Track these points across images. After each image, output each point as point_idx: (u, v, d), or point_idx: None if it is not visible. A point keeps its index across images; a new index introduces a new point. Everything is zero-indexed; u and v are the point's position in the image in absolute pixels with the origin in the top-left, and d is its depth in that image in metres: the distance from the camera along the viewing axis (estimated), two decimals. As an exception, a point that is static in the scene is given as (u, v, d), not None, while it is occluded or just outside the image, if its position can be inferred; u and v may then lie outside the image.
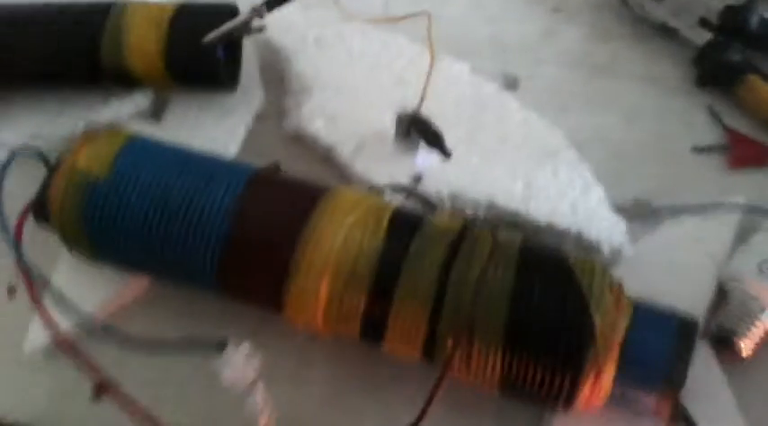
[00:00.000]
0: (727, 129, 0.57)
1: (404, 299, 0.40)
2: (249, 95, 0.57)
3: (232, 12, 0.52)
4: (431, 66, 0.51)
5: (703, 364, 0.46)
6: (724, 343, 0.45)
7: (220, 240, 0.42)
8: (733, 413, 0.44)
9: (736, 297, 0.47)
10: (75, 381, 0.42)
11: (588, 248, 0.50)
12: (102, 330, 0.44)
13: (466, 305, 0.39)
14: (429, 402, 0.38)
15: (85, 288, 0.49)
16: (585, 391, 0.39)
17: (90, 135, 0.45)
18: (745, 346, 0.45)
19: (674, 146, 0.57)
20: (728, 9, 0.59)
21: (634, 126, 0.57)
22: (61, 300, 0.46)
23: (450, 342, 0.39)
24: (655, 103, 0.59)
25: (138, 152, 0.44)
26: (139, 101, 0.56)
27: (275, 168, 0.48)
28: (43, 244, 0.46)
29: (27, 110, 0.56)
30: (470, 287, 0.39)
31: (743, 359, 0.45)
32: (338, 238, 0.41)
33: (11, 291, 0.46)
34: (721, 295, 0.48)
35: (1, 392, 0.48)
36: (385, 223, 0.42)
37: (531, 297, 0.39)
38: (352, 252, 0.41)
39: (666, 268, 0.49)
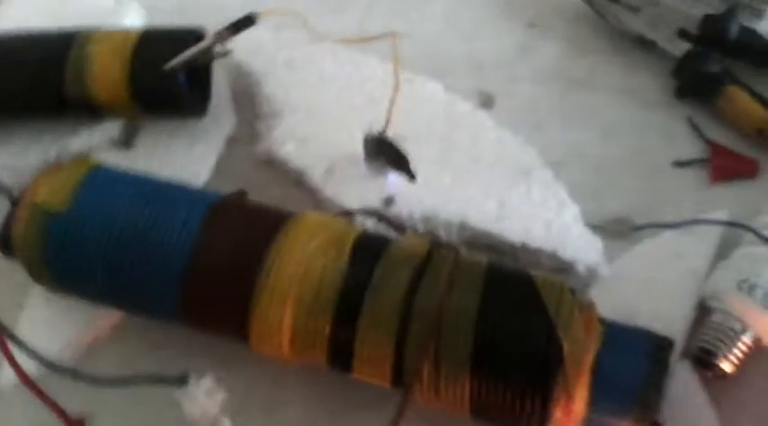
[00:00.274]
0: (708, 142, 0.56)
1: (368, 327, 0.39)
2: (220, 120, 0.57)
3: (198, 37, 0.51)
4: (396, 86, 0.51)
5: (685, 384, 0.45)
6: (705, 363, 0.44)
7: (181, 271, 0.41)
8: (715, 433, 0.43)
9: (718, 316, 0.45)
10: (49, 416, 0.42)
11: (563, 267, 0.49)
12: (69, 368, 0.43)
13: (430, 330, 0.38)
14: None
15: (57, 320, 0.48)
16: (557, 415, 0.38)
17: (52, 167, 0.45)
18: (728, 365, 0.44)
19: (653, 160, 0.56)
20: (707, 18, 0.58)
21: (612, 141, 0.57)
22: (31, 337, 0.45)
23: (411, 370, 0.38)
24: (633, 117, 0.58)
25: (99, 183, 0.44)
26: (109, 129, 0.55)
27: (240, 195, 0.47)
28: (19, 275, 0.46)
29: (-3, 142, 0.56)
30: (434, 312, 0.38)
31: (725, 378, 0.44)
32: (301, 264, 0.40)
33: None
34: (703, 312, 0.47)
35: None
36: (348, 247, 0.41)
37: (496, 320, 0.38)
38: (315, 279, 0.40)
39: (645, 286, 0.48)
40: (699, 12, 0.60)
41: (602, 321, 0.40)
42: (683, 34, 0.59)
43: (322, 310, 0.40)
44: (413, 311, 0.39)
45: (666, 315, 0.46)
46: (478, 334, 0.38)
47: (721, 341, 0.44)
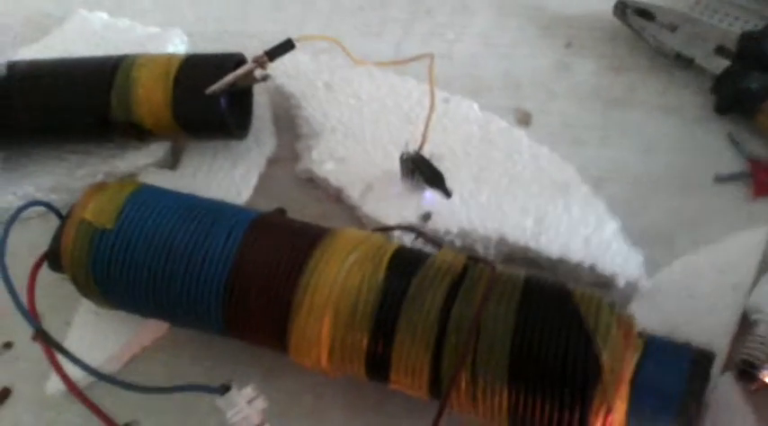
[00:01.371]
0: (749, 158, 0.55)
1: (405, 340, 0.40)
2: (262, 141, 0.58)
3: (238, 62, 0.53)
4: (431, 105, 0.52)
5: (728, 397, 0.44)
6: (748, 375, 0.44)
7: (224, 284, 0.42)
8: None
9: (761, 328, 0.45)
10: (96, 423, 0.43)
11: (604, 282, 0.49)
12: (114, 376, 0.44)
13: (467, 342, 0.38)
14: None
15: (104, 332, 0.50)
16: (596, 428, 0.38)
17: (99, 186, 0.46)
18: (771, 378, 0.43)
19: (694, 176, 0.55)
20: (745, 35, 0.58)
21: (652, 157, 0.56)
22: (79, 347, 0.47)
23: (447, 382, 0.38)
24: (673, 134, 0.58)
25: (144, 201, 0.45)
26: (155, 151, 0.57)
27: (280, 212, 0.48)
28: (67, 290, 0.47)
29: (45, 165, 0.58)
30: (471, 324, 0.39)
31: (768, 392, 0.43)
32: (338, 279, 0.41)
33: (35, 336, 0.47)
34: (747, 326, 0.46)
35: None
36: (385, 262, 0.42)
37: (534, 332, 0.38)
38: (353, 293, 0.41)
39: (687, 300, 0.48)
40: (737, 29, 0.60)
41: (642, 334, 0.40)
42: (720, 51, 0.59)
43: (359, 323, 0.40)
44: (450, 323, 0.39)
45: (708, 328, 0.46)
46: (515, 346, 0.38)
47: (764, 353, 0.43)
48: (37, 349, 0.44)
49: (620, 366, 0.37)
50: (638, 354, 0.39)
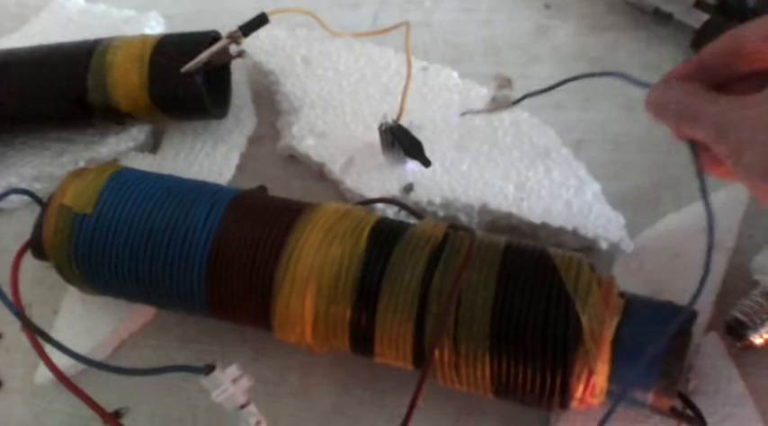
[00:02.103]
0: (732, 112, 0.55)
1: (387, 310, 0.40)
2: (242, 119, 0.58)
3: (213, 40, 0.52)
4: (408, 75, 0.51)
5: (713, 356, 0.44)
6: (737, 333, 0.43)
7: (205, 264, 0.43)
8: (745, 404, 0.42)
9: (759, 290, 0.44)
10: (86, 410, 0.43)
11: (587, 245, 0.49)
12: (101, 362, 0.45)
13: (447, 310, 0.38)
14: (409, 413, 0.37)
15: (91, 319, 0.51)
16: (579, 390, 0.38)
17: (78, 172, 0.46)
18: (759, 340, 0.43)
19: (675, 134, 0.55)
20: (725, -12, 0.57)
21: (634, 117, 0.56)
22: (66, 335, 0.47)
23: (430, 349, 0.38)
24: (654, 92, 0.57)
25: (123, 184, 0.45)
26: (136, 135, 0.57)
27: (261, 190, 0.48)
28: (54, 279, 0.48)
29: (27, 154, 0.58)
30: (451, 292, 0.39)
31: (755, 350, 0.43)
32: (320, 252, 0.41)
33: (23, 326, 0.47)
34: (751, 285, 0.46)
35: (18, 421, 0.50)
36: (366, 234, 0.42)
37: (514, 299, 0.38)
38: (335, 266, 0.41)
39: (670, 260, 0.47)
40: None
41: (623, 295, 0.40)
42: (700, 5, 0.58)
43: (342, 296, 0.41)
44: (430, 292, 0.39)
45: (691, 288, 0.45)
46: (496, 312, 0.38)
47: (757, 315, 0.43)
48: (27, 339, 0.44)
49: (601, 328, 0.38)
50: (618, 315, 0.39)
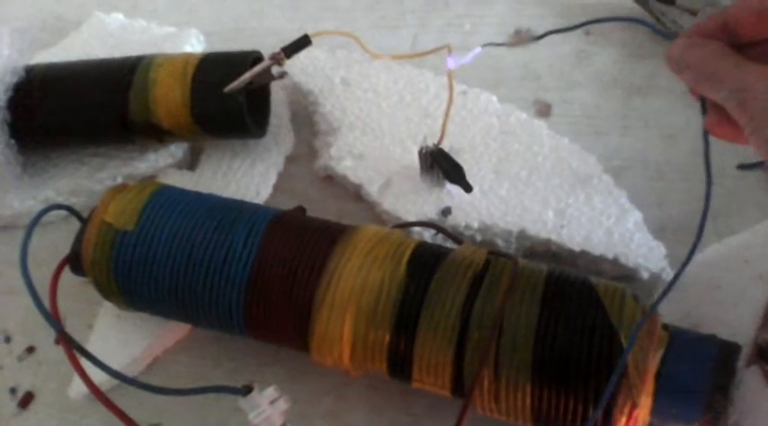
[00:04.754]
0: (774, 143, 0.54)
1: (427, 336, 0.39)
2: (280, 139, 0.58)
3: (255, 60, 0.53)
4: (450, 98, 0.51)
5: (754, 390, 0.43)
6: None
7: (244, 284, 0.42)
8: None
9: None
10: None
11: (627, 274, 0.48)
12: (136, 379, 0.45)
13: (489, 338, 0.38)
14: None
15: (127, 334, 0.50)
16: (621, 423, 0.37)
17: (119, 188, 0.47)
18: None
19: (717, 164, 0.53)
20: None
21: (674, 146, 0.55)
22: (102, 350, 0.47)
23: (470, 380, 0.38)
24: (695, 121, 0.56)
25: (164, 202, 0.45)
26: (174, 152, 0.57)
27: (300, 211, 0.48)
28: (89, 294, 0.48)
29: (64, 168, 0.58)
30: (493, 320, 0.38)
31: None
32: (359, 276, 0.41)
33: (58, 339, 0.47)
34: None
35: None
36: (406, 258, 0.41)
37: (557, 328, 0.38)
38: (374, 290, 0.41)
39: (711, 292, 0.47)
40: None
41: (667, 327, 0.40)
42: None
43: (381, 321, 0.40)
44: (471, 319, 0.39)
45: (733, 321, 0.45)
46: (539, 342, 0.38)
47: None
48: (60, 353, 0.44)
49: (645, 361, 0.37)
50: (662, 348, 0.38)
